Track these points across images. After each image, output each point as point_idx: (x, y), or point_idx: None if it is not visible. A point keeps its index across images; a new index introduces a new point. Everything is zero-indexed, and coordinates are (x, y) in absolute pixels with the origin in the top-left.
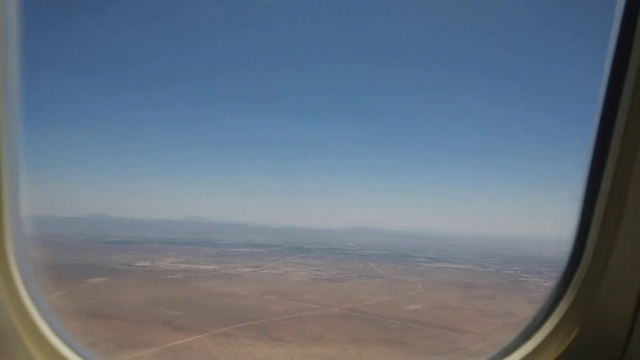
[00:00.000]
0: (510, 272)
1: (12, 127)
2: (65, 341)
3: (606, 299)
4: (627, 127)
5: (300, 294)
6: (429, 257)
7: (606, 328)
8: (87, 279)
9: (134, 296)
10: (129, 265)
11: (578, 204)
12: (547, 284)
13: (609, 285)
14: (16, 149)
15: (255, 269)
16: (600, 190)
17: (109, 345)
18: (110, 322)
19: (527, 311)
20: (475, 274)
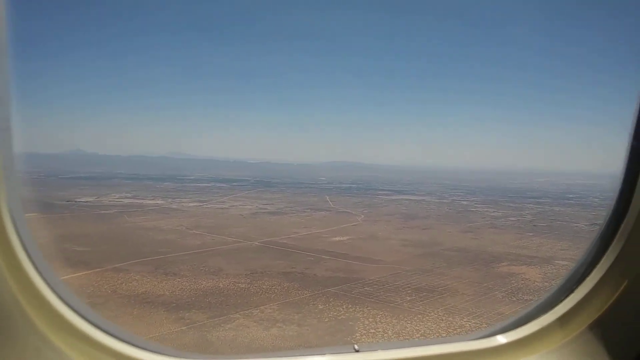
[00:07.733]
0: (464, 202)
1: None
2: (63, 298)
3: None
4: None
5: (229, 227)
6: (393, 189)
7: None
8: None
9: (50, 232)
10: (68, 201)
11: (626, 149)
12: (495, 213)
13: None
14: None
15: (201, 204)
16: None
17: None
18: None
19: (454, 240)
20: (428, 205)
